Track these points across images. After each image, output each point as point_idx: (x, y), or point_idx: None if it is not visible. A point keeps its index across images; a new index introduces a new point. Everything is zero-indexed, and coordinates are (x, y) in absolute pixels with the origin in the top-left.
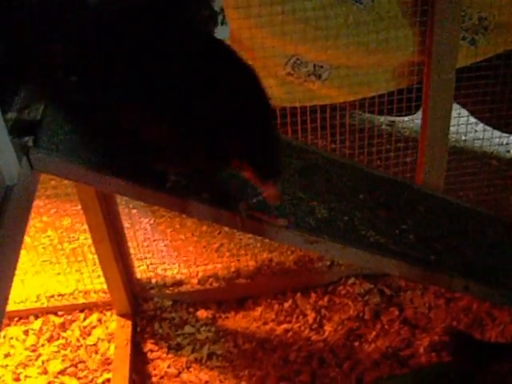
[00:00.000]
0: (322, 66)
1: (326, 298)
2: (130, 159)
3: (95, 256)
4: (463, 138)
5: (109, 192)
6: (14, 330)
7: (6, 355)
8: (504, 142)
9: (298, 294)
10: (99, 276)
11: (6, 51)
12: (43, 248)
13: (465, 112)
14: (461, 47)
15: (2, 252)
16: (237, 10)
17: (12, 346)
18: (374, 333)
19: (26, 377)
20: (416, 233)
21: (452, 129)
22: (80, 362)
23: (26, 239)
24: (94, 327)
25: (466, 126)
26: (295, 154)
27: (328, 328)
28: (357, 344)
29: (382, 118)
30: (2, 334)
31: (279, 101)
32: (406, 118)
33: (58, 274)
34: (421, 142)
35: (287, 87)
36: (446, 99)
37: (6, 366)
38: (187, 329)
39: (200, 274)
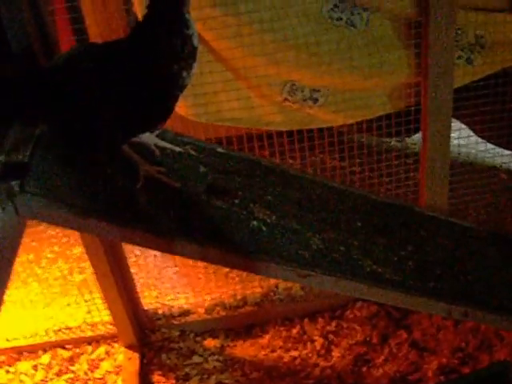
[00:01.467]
0: (318, 91)
1: (333, 323)
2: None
3: None
4: (466, 154)
5: (96, 236)
6: (24, 365)
7: None
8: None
9: (306, 320)
10: (107, 308)
11: None
12: (54, 280)
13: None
14: (457, 66)
15: None
16: (228, 39)
17: (21, 382)
18: (382, 357)
19: None
20: (415, 259)
21: (454, 147)
22: None
23: (38, 271)
24: (102, 360)
25: (467, 144)
26: (291, 183)
27: (336, 354)
28: (365, 369)
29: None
30: (12, 369)
31: (277, 126)
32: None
33: (68, 305)
34: (421, 162)
35: (284, 113)
36: (445, 120)
37: None
38: (195, 358)
39: (207, 303)
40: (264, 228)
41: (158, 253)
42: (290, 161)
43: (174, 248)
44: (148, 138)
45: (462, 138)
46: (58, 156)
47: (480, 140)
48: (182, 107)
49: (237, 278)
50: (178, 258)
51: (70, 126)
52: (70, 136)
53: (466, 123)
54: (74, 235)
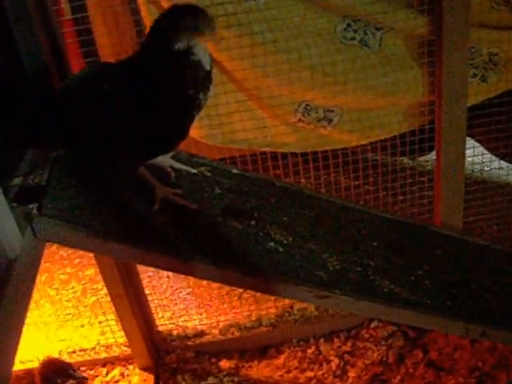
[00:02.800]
0: (332, 111)
1: (349, 343)
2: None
3: None
4: (479, 172)
5: (113, 258)
6: None
7: None
8: None
9: (321, 340)
10: (121, 329)
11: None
12: (66, 301)
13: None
14: (471, 84)
15: (5, 326)
16: (242, 60)
17: None
18: (398, 377)
19: None
20: (432, 278)
21: (468, 165)
22: None
23: (50, 292)
24: (117, 382)
25: (482, 163)
26: (307, 203)
27: (352, 374)
28: None
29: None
30: None
31: (291, 147)
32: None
33: (81, 326)
34: (436, 180)
35: (298, 134)
36: (459, 138)
37: None
38: (210, 380)
39: (221, 324)
40: (281, 249)
41: (171, 274)
42: (303, 180)
43: (192, 270)
44: (163, 159)
45: (476, 156)
46: (75, 179)
47: (494, 158)
48: (195, 129)
49: (251, 299)
50: (191, 279)
51: (87, 150)
52: (87, 159)
53: (480, 141)
54: (87, 256)
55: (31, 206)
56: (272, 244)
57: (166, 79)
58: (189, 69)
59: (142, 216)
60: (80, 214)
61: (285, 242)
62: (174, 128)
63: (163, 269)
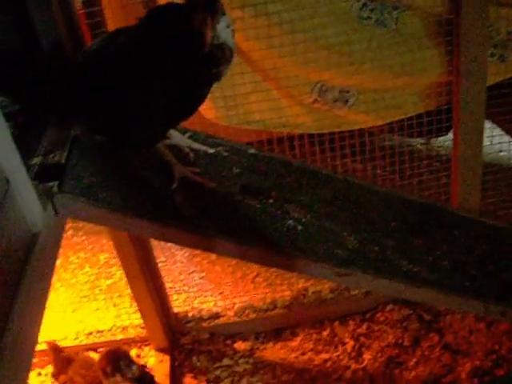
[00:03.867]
0: (348, 91)
1: (364, 326)
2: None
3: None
4: (498, 155)
5: (133, 233)
6: None
7: None
8: None
9: (336, 323)
10: (136, 311)
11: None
12: (81, 284)
13: (498, 131)
14: (490, 64)
15: (30, 298)
16: (258, 40)
17: None
18: (414, 360)
19: None
20: (451, 258)
21: (486, 147)
22: None
23: (65, 276)
24: None
25: (500, 144)
26: (324, 183)
27: (367, 356)
28: (397, 372)
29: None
30: (44, 371)
31: (307, 129)
32: (439, 138)
33: (97, 309)
34: (454, 162)
35: (314, 115)
36: (478, 119)
37: None
38: (225, 361)
39: (236, 306)
40: (299, 227)
41: (184, 259)
42: (319, 164)
43: (211, 246)
44: (181, 140)
45: (494, 137)
46: (94, 157)
47: None
48: (211, 110)
49: (264, 283)
50: (204, 263)
51: (107, 121)
52: (107, 131)
53: (498, 122)
54: (100, 242)
55: (51, 183)
56: (291, 222)
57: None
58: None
59: (161, 193)
60: (100, 191)
61: (303, 220)
62: (194, 94)
63: (184, 245)
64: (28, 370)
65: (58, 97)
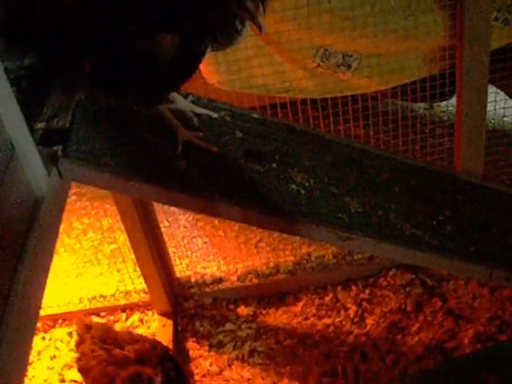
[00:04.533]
0: (351, 56)
1: (366, 291)
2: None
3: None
4: (502, 120)
5: (137, 197)
6: (59, 332)
7: (52, 357)
8: None
9: (339, 288)
10: (139, 276)
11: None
12: (85, 250)
13: (502, 95)
14: (494, 28)
15: (35, 262)
16: None
17: (57, 348)
18: (416, 325)
19: (71, 379)
20: (454, 223)
21: (489, 108)
22: None
23: (69, 241)
24: (136, 327)
25: (504, 109)
26: (327, 148)
27: (370, 321)
28: (399, 337)
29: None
30: (48, 336)
31: (310, 93)
32: (442, 103)
33: (100, 274)
34: (457, 128)
35: (317, 79)
36: (481, 83)
37: (52, 367)
38: (228, 326)
39: (239, 271)
40: (303, 191)
41: (187, 224)
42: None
43: (215, 210)
44: (185, 104)
45: (498, 103)
46: (98, 122)
47: None
48: (214, 76)
49: (267, 248)
50: (207, 228)
51: (109, 76)
52: (109, 88)
53: (502, 87)
54: (104, 207)
55: (56, 147)
56: (294, 186)
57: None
58: None
59: (164, 157)
60: (104, 155)
61: (306, 184)
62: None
63: (186, 209)
64: (32, 333)
65: (60, 46)
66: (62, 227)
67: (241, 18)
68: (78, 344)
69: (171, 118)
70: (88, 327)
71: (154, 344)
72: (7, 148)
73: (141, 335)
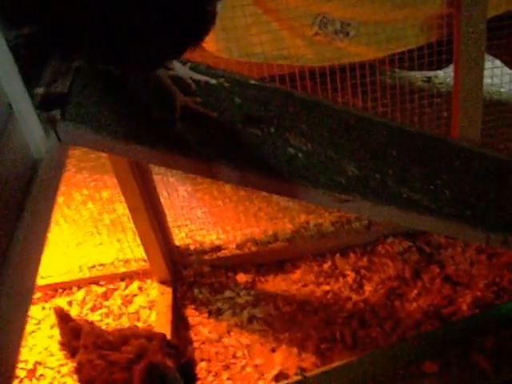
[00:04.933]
0: (349, 24)
1: (365, 258)
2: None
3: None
4: (498, 89)
5: (136, 160)
6: (59, 301)
7: (52, 326)
8: None
9: (337, 255)
10: (139, 245)
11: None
12: (84, 220)
13: (498, 63)
14: None
15: (32, 225)
16: None
17: None
18: (414, 291)
19: None
20: (451, 188)
21: (486, 81)
22: None
23: (68, 213)
24: (135, 295)
25: (500, 77)
26: (325, 113)
27: (368, 288)
28: (398, 303)
29: (415, 73)
30: (48, 305)
31: (308, 61)
32: (440, 72)
33: (100, 244)
34: (454, 95)
35: (315, 47)
36: (478, 51)
37: (52, 336)
38: (227, 293)
39: (238, 239)
40: (300, 155)
41: (186, 194)
42: None
43: (214, 173)
44: (183, 71)
45: (495, 74)
46: (96, 87)
47: None
48: (212, 43)
49: (265, 217)
50: (206, 198)
51: (109, 39)
52: (110, 51)
53: (499, 55)
54: (103, 179)
55: (54, 111)
56: (291, 150)
57: None
58: None
59: (163, 121)
60: (102, 119)
61: (304, 148)
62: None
63: (186, 171)
64: (29, 302)
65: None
66: (61, 199)
67: None
68: (72, 354)
69: (169, 84)
70: (69, 324)
71: (149, 336)
72: (5, 109)
73: (131, 329)
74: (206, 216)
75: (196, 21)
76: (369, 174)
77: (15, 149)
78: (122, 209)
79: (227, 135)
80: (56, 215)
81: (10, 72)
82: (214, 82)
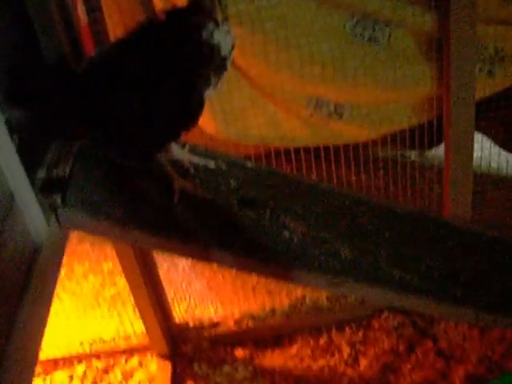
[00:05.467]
0: (342, 106)
1: (360, 333)
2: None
3: None
4: (488, 166)
5: (134, 245)
6: (60, 375)
7: None
8: None
9: (333, 330)
10: (139, 319)
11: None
12: (86, 293)
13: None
14: (478, 79)
15: (34, 308)
16: (255, 57)
17: None
18: (409, 366)
19: None
20: (442, 267)
21: (476, 154)
22: None
23: (70, 285)
24: (136, 370)
25: (489, 154)
26: (320, 196)
27: (363, 363)
28: (392, 378)
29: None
30: (49, 378)
31: (303, 142)
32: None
33: (101, 318)
34: (445, 173)
35: (310, 128)
36: (467, 131)
37: None
38: (226, 368)
39: (236, 315)
40: (295, 238)
41: (186, 268)
42: (315, 177)
43: (210, 257)
44: (182, 154)
45: (484, 150)
46: (96, 170)
47: (501, 151)
48: (211, 125)
49: (264, 291)
50: (205, 272)
51: (107, 130)
52: (108, 142)
53: (488, 134)
54: (104, 251)
55: (55, 196)
56: (286, 233)
57: (179, 56)
58: (205, 49)
59: (161, 205)
60: (102, 204)
61: (299, 231)
62: (183, 108)
63: (182, 255)
64: (31, 377)
65: (61, 106)
66: (63, 271)
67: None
68: None
69: (168, 169)
70: None
71: None
72: (7, 198)
73: None
74: (205, 290)
75: (183, 109)
76: (362, 255)
77: (17, 235)
78: (122, 282)
79: (224, 218)
80: (57, 288)
81: (10, 160)
82: (212, 164)
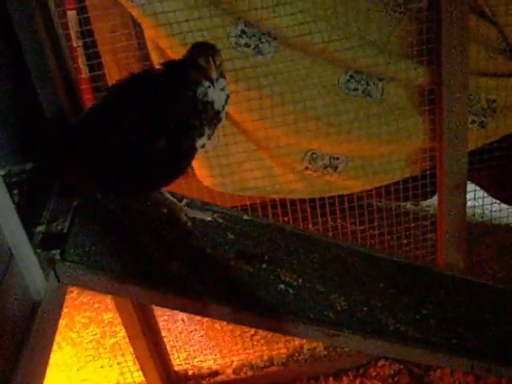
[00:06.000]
0: (337, 158)
1: (357, 381)
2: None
3: None
4: (481, 215)
5: (132, 300)
6: None
7: None
8: None
9: (331, 379)
10: (138, 369)
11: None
12: (86, 343)
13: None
14: (471, 131)
15: (32, 362)
16: (250, 112)
17: None
18: None
19: None
20: (437, 317)
21: (469, 203)
22: None
23: (71, 335)
24: None
25: (482, 206)
26: (315, 247)
27: None
28: None
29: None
30: None
31: (299, 194)
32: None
33: (101, 367)
34: (439, 224)
35: (306, 181)
36: (460, 182)
37: None
38: None
39: (235, 364)
40: (291, 291)
41: (185, 317)
42: (311, 226)
43: (206, 311)
44: (179, 208)
45: (477, 200)
46: (95, 225)
47: (494, 201)
48: (207, 178)
49: (262, 340)
50: (204, 321)
51: (105, 177)
52: (105, 188)
53: (480, 185)
54: (105, 302)
55: (54, 251)
56: (282, 286)
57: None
58: (199, 106)
59: (159, 259)
60: (100, 259)
61: (295, 283)
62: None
63: (179, 310)
64: None
65: (60, 156)
66: (64, 321)
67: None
68: None
69: (169, 200)
70: None
71: None
72: (6, 254)
73: None
74: (204, 339)
75: (175, 158)
76: (357, 306)
77: (15, 291)
78: (122, 332)
79: (220, 272)
80: (58, 338)
81: (9, 217)
82: (208, 218)
